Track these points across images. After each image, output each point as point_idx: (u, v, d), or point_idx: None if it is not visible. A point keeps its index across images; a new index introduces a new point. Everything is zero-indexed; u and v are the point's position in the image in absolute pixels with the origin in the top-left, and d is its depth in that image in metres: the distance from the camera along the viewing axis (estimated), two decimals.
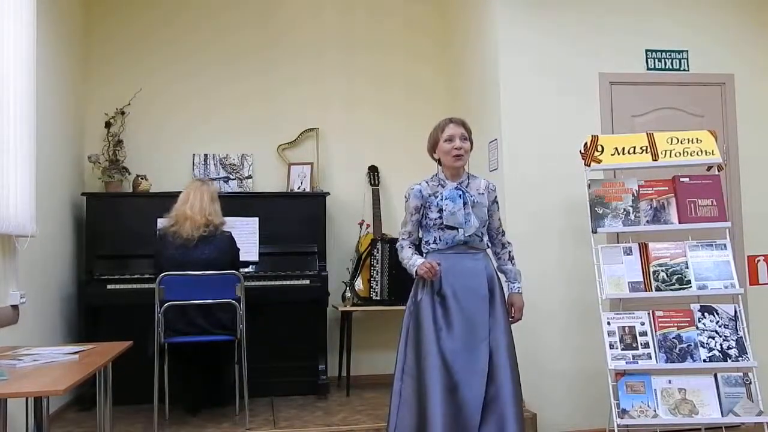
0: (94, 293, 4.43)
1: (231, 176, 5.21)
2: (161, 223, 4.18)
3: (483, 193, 3.24)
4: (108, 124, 5.01)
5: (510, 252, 3.33)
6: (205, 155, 5.22)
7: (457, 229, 3.14)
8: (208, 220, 4.10)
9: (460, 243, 3.15)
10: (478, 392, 2.99)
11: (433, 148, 3.27)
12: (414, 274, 3.16)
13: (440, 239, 3.17)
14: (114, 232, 4.63)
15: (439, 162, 3.27)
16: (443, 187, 3.21)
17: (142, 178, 4.91)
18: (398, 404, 3.10)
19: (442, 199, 3.16)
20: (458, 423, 2.97)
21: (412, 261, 3.15)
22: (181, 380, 4.23)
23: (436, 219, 3.17)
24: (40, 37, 3.77)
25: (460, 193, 3.17)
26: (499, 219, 3.33)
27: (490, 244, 3.35)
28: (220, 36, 5.33)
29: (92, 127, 5.07)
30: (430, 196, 3.20)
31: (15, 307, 3.57)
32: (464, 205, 3.15)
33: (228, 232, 4.24)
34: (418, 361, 3.07)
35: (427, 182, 3.26)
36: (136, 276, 4.45)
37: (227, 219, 4.65)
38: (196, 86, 5.28)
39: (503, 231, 3.35)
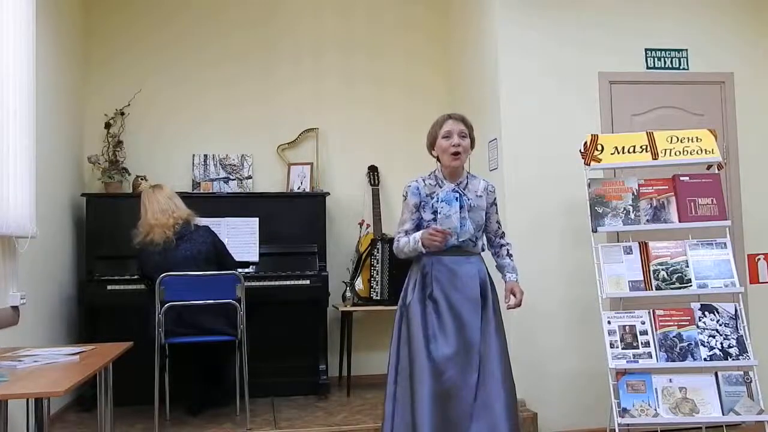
0: (94, 294, 4.43)
1: (231, 176, 5.21)
2: (135, 239, 4.14)
3: (481, 195, 3.15)
4: (108, 125, 5.01)
5: (508, 249, 3.25)
6: (205, 156, 5.22)
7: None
8: (174, 218, 4.11)
9: (453, 247, 3.06)
10: (468, 398, 2.92)
11: (431, 145, 3.17)
12: (422, 249, 3.00)
13: None
14: (114, 232, 4.61)
15: (438, 159, 3.17)
16: (440, 187, 3.12)
17: (142, 179, 4.91)
18: (393, 408, 3.00)
19: (437, 201, 3.07)
20: (446, 429, 2.90)
21: (413, 239, 3.02)
22: (181, 381, 4.22)
23: (430, 221, 3.08)
24: (40, 38, 3.77)
25: (457, 195, 3.08)
26: (498, 221, 3.25)
27: (488, 246, 3.27)
28: (219, 37, 5.33)
29: (92, 127, 5.07)
30: (426, 196, 3.11)
31: (15, 308, 3.57)
32: (461, 209, 3.05)
33: (205, 225, 4.25)
34: (411, 364, 2.99)
35: (424, 180, 3.16)
36: (136, 277, 4.44)
37: (228, 220, 4.70)
38: (196, 87, 5.28)
39: (503, 232, 3.27)
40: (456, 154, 3.07)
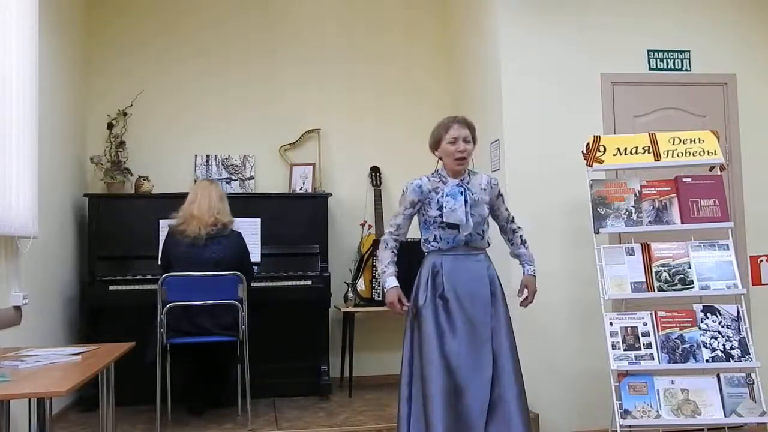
0: (96, 294, 4.44)
1: (233, 177, 5.21)
2: (170, 221, 4.19)
3: (485, 189, 3.22)
4: (110, 126, 5.02)
5: (522, 236, 3.33)
6: (207, 156, 5.22)
7: (457, 228, 3.11)
8: (216, 219, 4.13)
9: (461, 243, 3.14)
10: (483, 396, 2.97)
11: (435, 145, 3.24)
12: (382, 290, 3.17)
13: (441, 238, 3.14)
14: (116, 233, 4.63)
15: (441, 158, 3.24)
16: (444, 183, 3.18)
17: (144, 179, 4.92)
18: (408, 409, 3.05)
19: (442, 196, 3.14)
20: (460, 427, 2.94)
21: (386, 277, 3.14)
22: (183, 381, 4.23)
23: (436, 216, 3.14)
24: (43, 39, 3.78)
25: (462, 190, 3.15)
26: (507, 209, 3.33)
27: (501, 233, 3.35)
28: (221, 38, 5.33)
29: (94, 128, 5.07)
30: (430, 192, 3.17)
31: (17, 308, 3.57)
32: (465, 203, 3.12)
33: (238, 231, 4.26)
34: (423, 362, 3.04)
35: (428, 178, 3.23)
36: (138, 277, 4.45)
37: None
38: (198, 87, 5.28)
39: (512, 218, 3.34)
40: (461, 159, 3.16)
